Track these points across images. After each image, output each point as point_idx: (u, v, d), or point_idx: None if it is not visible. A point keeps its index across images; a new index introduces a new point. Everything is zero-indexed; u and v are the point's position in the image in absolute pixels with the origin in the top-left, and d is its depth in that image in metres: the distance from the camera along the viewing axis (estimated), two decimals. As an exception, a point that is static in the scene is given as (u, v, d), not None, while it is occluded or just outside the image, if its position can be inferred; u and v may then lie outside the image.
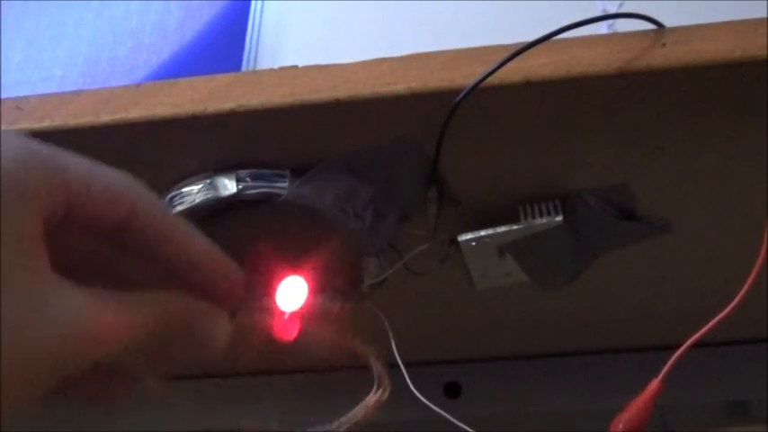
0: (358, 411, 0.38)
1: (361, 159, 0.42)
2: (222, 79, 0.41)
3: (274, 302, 0.36)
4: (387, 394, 0.39)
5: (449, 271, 0.48)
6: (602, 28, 0.49)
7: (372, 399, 0.37)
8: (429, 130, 0.40)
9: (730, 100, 0.39)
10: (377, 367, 0.38)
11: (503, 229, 0.44)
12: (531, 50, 0.38)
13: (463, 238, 0.45)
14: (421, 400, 0.45)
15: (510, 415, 0.60)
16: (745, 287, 0.38)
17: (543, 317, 0.56)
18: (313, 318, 0.37)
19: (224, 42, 0.69)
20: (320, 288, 0.37)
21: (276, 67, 0.41)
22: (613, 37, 0.39)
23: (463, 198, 0.45)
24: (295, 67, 0.41)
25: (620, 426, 0.42)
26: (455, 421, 0.45)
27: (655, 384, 0.42)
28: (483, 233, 0.45)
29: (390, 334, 0.44)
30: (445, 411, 0.45)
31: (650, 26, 0.39)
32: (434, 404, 0.45)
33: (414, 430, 0.56)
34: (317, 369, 0.62)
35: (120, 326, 0.30)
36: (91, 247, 0.33)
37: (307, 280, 0.36)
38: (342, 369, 0.62)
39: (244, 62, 0.67)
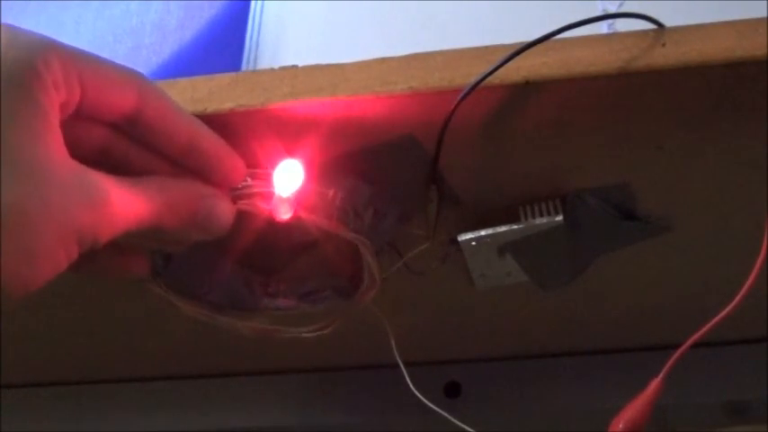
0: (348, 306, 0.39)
1: (361, 159, 0.42)
2: (222, 79, 0.41)
3: (271, 188, 0.38)
4: (374, 291, 0.40)
5: (449, 271, 0.48)
6: (602, 28, 0.49)
7: (361, 294, 0.38)
8: (429, 130, 0.40)
9: (730, 100, 0.39)
10: (366, 259, 0.39)
11: (503, 228, 0.44)
12: (531, 50, 0.38)
13: (463, 237, 0.45)
14: (421, 400, 0.45)
15: (510, 415, 0.60)
16: (745, 287, 0.38)
17: (543, 317, 0.56)
18: (308, 202, 0.39)
19: (224, 42, 0.69)
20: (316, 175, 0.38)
21: (276, 66, 0.41)
22: (613, 37, 0.39)
23: (463, 198, 0.45)
24: (295, 66, 0.41)
25: (620, 425, 0.42)
26: (455, 421, 0.45)
27: (655, 384, 0.42)
28: (483, 233, 0.45)
29: (390, 334, 0.44)
30: (445, 411, 0.45)
31: (650, 26, 0.39)
32: (434, 404, 0.45)
33: (414, 430, 0.56)
34: (317, 369, 0.62)
35: (134, 205, 0.32)
36: (102, 138, 0.35)
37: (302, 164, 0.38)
38: (342, 369, 0.62)
39: (244, 62, 0.67)
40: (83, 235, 0.30)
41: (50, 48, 0.31)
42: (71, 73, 0.31)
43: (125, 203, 0.32)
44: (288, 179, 0.38)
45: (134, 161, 0.35)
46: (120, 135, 0.35)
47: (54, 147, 0.30)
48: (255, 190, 0.38)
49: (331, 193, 0.39)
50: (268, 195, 0.38)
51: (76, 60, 0.32)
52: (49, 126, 0.30)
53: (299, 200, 0.38)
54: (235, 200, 0.37)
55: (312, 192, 0.39)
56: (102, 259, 0.35)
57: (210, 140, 0.36)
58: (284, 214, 0.38)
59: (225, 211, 0.36)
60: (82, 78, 0.32)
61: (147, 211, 0.33)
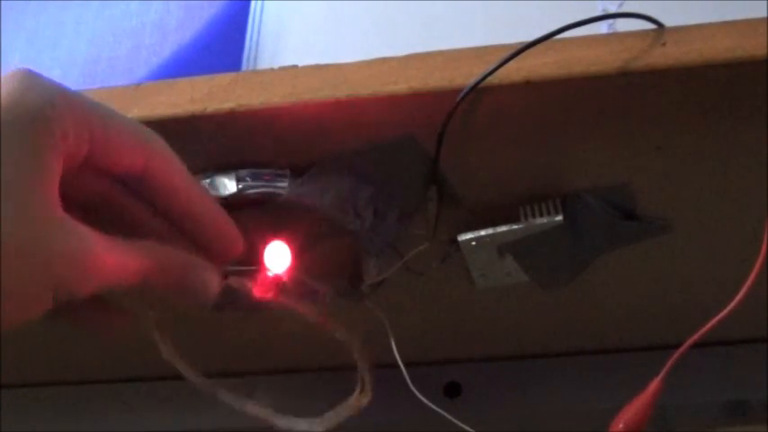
0: (339, 412, 0.39)
1: (361, 159, 0.42)
2: (222, 79, 0.41)
3: (262, 269, 0.38)
4: (368, 399, 0.39)
5: (449, 271, 0.48)
6: (602, 28, 0.49)
7: (353, 402, 0.38)
8: (429, 129, 0.40)
9: (730, 100, 0.39)
10: (361, 366, 0.39)
11: (503, 228, 0.44)
12: (531, 50, 0.38)
13: (463, 237, 0.45)
14: (421, 400, 0.45)
15: (510, 415, 0.60)
16: (745, 287, 0.38)
17: (543, 317, 0.56)
18: (296, 291, 0.39)
19: (224, 42, 0.69)
20: (309, 271, 0.38)
21: (276, 67, 0.41)
22: (613, 37, 0.39)
23: (463, 198, 0.45)
24: (295, 67, 0.41)
25: (620, 425, 0.42)
26: (455, 421, 0.45)
27: (655, 384, 0.42)
28: (483, 233, 0.45)
29: (390, 334, 0.44)
30: (445, 411, 0.45)
31: (650, 26, 0.39)
32: (434, 404, 0.45)
33: (414, 430, 0.56)
34: (317, 369, 0.62)
35: (120, 264, 0.32)
36: (104, 189, 0.35)
37: (292, 248, 0.39)
38: (342, 369, 0.62)
39: (244, 62, 0.67)
40: (59, 286, 0.30)
41: (65, 100, 0.30)
42: (82, 128, 0.31)
43: (110, 261, 0.31)
44: (277, 260, 0.38)
45: (134, 215, 0.35)
46: (124, 189, 0.35)
47: (47, 199, 0.30)
48: (245, 267, 0.38)
49: (321, 291, 0.39)
50: (257, 273, 0.38)
51: (89, 115, 0.32)
52: (49, 179, 0.30)
53: (286, 281, 0.38)
54: (225, 274, 0.37)
55: (300, 279, 0.39)
56: (83, 312, 0.35)
57: (213, 212, 0.36)
58: (267, 293, 0.38)
59: (212, 284, 0.36)
60: (92, 134, 0.32)
61: (134, 272, 0.32)
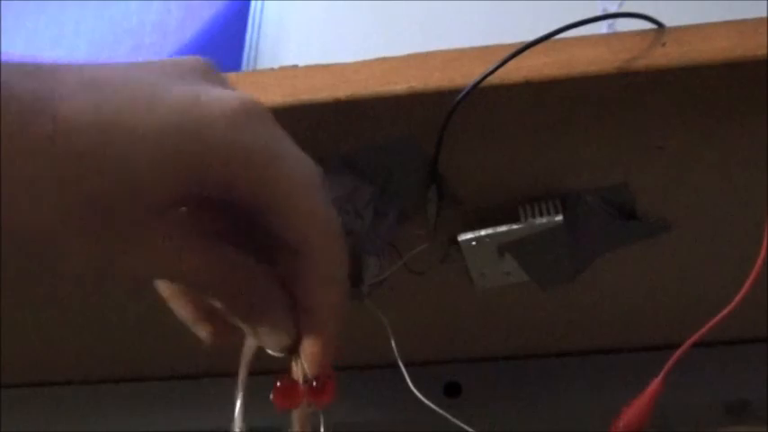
0: None
1: (361, 159, 0.42)
2: (222, 79, 0.41)
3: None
4: None
5: (449, 271, 0.48)
6: (602, 28, 0.49)
7: None
8: (429, 129, 0.40)
9: (730, 100, 0.39)
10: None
11: (503, 228, 0.44)
12: (531, 50, 0.38)
13: (463, 237, 0.45)
14: (421, 400, 0.45)
15: (510, 415, 0.60)
16: (745, 287, 0.38)
17: (543, 317, 0.56)
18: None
19: (224, 42, 0.69)
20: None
21: (276, 67, 0.41)
22: (613, 37, 0.39)
23: (463, 198, 0.45)
24: (295, 66, 0.41)
25: (621, 425, 0.42)
26: (455, 421, 0.45)
27: (655, 384, 0.42)
28: (483, 233, 0.45)
29: (390, 334, 0.44)
30: (445, 411, 0.45)
31: (650, 26, 0.39)
32: (434, 404, 0.45)
33: (414, 430, 0.56)
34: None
35: (201, 259, 0.30)
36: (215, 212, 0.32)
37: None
38: (342, 369, 0.62)
39: (244, 62, 0.67)
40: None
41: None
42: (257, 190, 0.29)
43: (193, 255, 0.30)
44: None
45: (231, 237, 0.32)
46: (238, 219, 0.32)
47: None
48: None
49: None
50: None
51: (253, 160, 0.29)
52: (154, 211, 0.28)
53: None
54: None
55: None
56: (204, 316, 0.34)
57: (319, 328, 0.32)
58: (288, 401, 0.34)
59: (252, 341, 0.34)
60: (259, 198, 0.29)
61: (205, 270, 0.31)
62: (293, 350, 0.33)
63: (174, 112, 0.27)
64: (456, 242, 0.45)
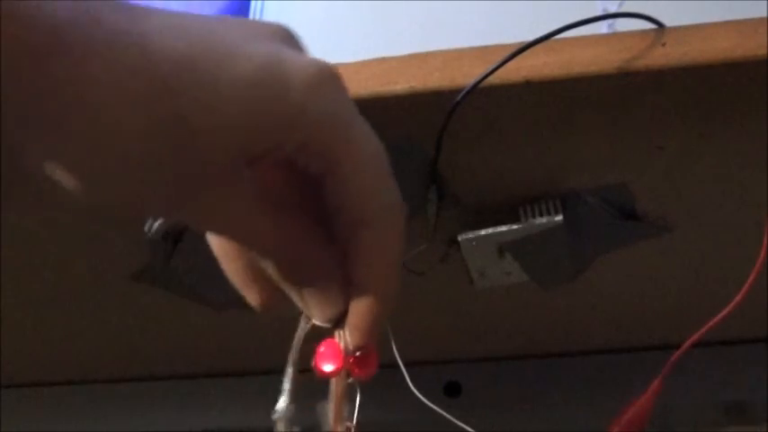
0: None
1: (361, 159, 0.42)
2: (222, 79, 0.41)
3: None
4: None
5: (449, 271, 0.48)
6: (602, 28, 0.49)
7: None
8: (429, 129, 0.40)
9: (730, 100, 0.39)
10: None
11: (503, 228, 0.44)
12: (531, 50, 0.38)
13: (463, 237, 0.45)
14: (421, 400, 0.45)
15: (510, 415, 0.60)
16: (746, 287, 0.38)
17: (543, 317, 0.56)
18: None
19: (224, 42, 0.69)
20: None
21: (276, 66, 0.41)
22: (613, 37, 0.39)
23: (463, 198, 0.45)
24: (295, 66, 0.41)
25: (621, 425, 0.42)
26: (455, 421, 0.45)
27: (655, 384, 0.42)
28: (483, 232, 0.45)
29: (390, 334, 0.44)
30: (445, 411, 0.45)
31: (650, 26, 0.39)
32: (434, 404, 0.45)
33: (414, 430, 0.56)
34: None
35: (268, 222, 0.30)
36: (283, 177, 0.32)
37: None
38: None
39: (244, 62, 0.67)
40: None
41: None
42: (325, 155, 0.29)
43: (264, 217, 0.30)
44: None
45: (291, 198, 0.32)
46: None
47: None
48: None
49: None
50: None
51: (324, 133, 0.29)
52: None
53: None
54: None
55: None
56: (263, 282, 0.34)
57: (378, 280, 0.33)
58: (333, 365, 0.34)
59: (326, 306, 0.33)
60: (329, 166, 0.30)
61: (271, 234, 0.31)
62: (339, 322, 0.33)
63: (259, 68, 0.27)
64: (456, 242, 0.45)
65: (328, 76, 0.29)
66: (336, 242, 0.32)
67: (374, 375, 0.34)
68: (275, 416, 0.34)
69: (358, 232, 0.32)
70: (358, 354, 0.33)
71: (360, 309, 0.33)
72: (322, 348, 0.34)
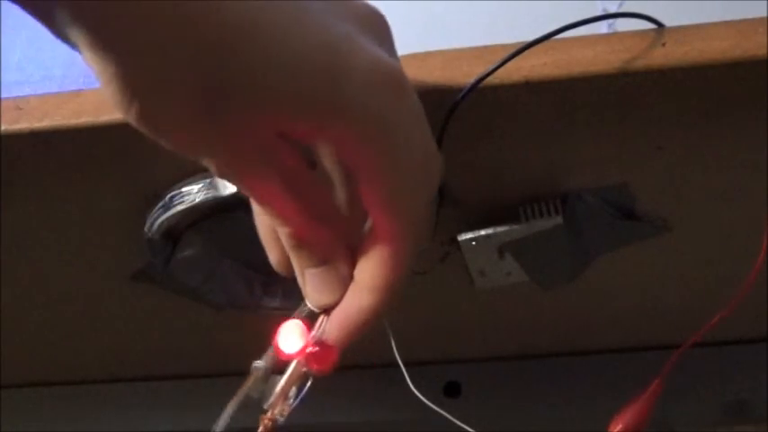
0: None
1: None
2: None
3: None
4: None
5: (449, 271, 0.48)
6: (602, 27, 0.49)
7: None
8: (429, 129, 0.40)
9: (730, 100, 0.39)
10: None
11: (503, 228, 0.44)
12: (531, 50, 0.38)
13: (463, 237, 0.45)
14: (421, 400, 0.45)
15: (510, 415, 0.60)
16: (745, 287, 0.38)
17: (543, 317, 0.56)
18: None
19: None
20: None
21: (276, 66, 0.41)
22: (613, 37, 0.39)
23: (463, 198, 0.45)
24: (295, 66, 0.41)
25: (620, 426, 0.42)
26: (455, 421, 0.45)
27: (655, 384, 0.42)
28: (483, 232, 0.45)
29: (390, 334, 0.44)
30: (445, 411, 0.45)
31: (650, 26, 0.39)
32: (434, 404, 0.45)
33: (414, 430, 0.56)
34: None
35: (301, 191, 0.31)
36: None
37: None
38: (342, 369, 0.62)
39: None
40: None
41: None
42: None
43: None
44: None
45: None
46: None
47: None
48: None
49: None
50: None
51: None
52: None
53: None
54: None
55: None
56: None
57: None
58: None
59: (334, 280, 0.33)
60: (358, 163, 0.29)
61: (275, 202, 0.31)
62: (328, 311, 0.33)
63: (322, 48, 0.27)
64: (456, 242, 0.45)
65: (393, 81, 0.29)
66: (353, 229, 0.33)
67: (329, 374, 0.34)
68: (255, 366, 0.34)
69: (371, 237, 0.32)
70: (317, 349, 0.33)
71: (351, 310, 0.33)
72: (286, 327, 0.34)
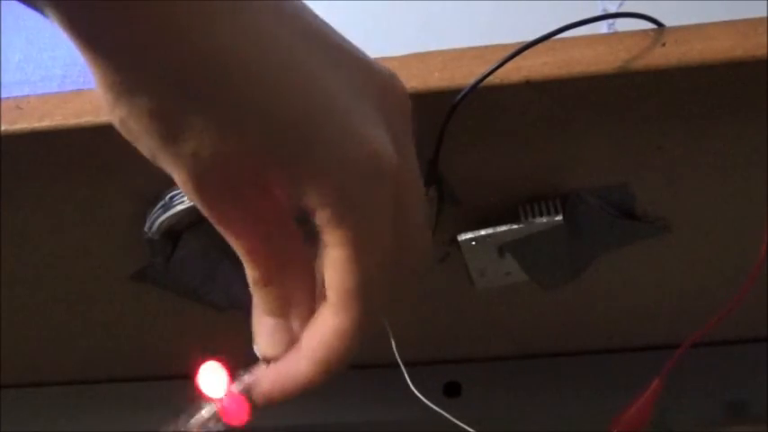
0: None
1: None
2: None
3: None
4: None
5: (449, 271, 0.48)
6: (602, 27, 0.49)
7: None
8: (429, 130, 0.40)
9: (730, 100, 0.39)
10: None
11: (503, 228, 0.44)
12: (531, 50, 0.38)
13: (463, 237, 0.45)
14: (421, 400, 0.45)
15: (510, 415, 0.60)
16: (745, 287, 0.38)
17: (543, 317, 0.56)
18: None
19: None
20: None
21: (276, 66, 0.41)
22: (613, 36, 0.39)
23: (463, 198, 0.45)
24: (295, 66, 0.41)
25: (621, 426, 0.42)
26: (455, 421, 0.45)
27: (655, 384, 0.42)
28: (483, 232, 0.45)
29: (390, 334, 0.44)
30: (445, 411, 0.45)
31: (650, 26, 0.39)
32: (434, 404, 0.45)
33: (414, 430, 0.56)
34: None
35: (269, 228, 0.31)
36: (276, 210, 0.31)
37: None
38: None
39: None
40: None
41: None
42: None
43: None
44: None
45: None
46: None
47: None
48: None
49: None
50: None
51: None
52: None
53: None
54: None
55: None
56: None
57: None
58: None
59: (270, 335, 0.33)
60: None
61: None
62: (269, 362, 0.33)
63: (308, 116, 0.27)
64: (456, 242, 0.45)
65: (376, 168, 0.28)
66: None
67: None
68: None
69: (325, 310, 0.31)
70: (230, 402, 0.32)
71: (286, 372, 0.32)
72: (209, 368, 0.33)
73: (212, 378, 0.33)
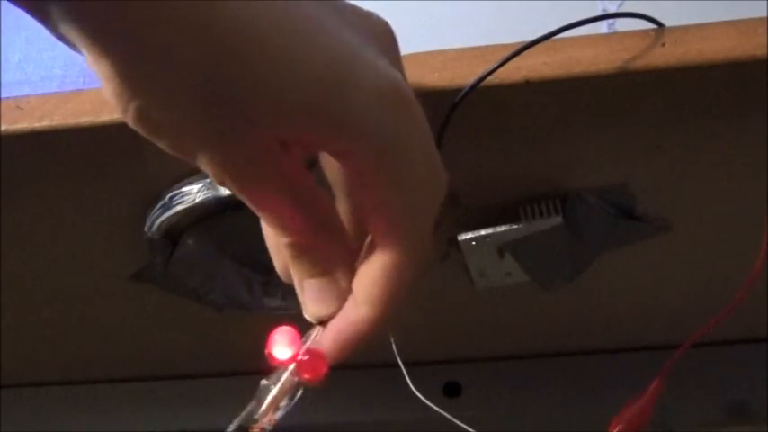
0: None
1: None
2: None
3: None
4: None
5: (449, 271, 0.48)
6: (602, 27, 0.49)
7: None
8: (429, 129, 0.40)
9: (730, 100, 0.39)
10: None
11: (503, 228, 0.44)
12: (531, 50, 0.38)
13: (463, 237, 0.45)
14: (421, 400, 0.45)
15: (510, 415, 0.60)
16: (745, 287, 0.38)
17: (543, 317, 0.56)
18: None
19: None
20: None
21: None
22: (613, 36, 0.39)
23: (463, 198, 0.45)
24: (295, 66, 0.41)
25: (620, 425, 0.42)
26: (455, 421, 0.45)
27: (655, 384, 0.42)
28: (483, 233, 0.45)
29: (390, 334, 0.44)
30: (445, 411, 0.45)
31: (650, 26, 0.39)
32: (434, 404, 0.45)
33: (414, 430, 0.56)
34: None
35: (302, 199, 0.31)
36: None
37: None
38: (342, 369, 0.62)
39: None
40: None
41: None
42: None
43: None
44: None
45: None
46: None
47: None
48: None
49: None
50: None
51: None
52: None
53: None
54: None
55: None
56: None
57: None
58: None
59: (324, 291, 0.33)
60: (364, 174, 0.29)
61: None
62: (324, 323, 0.33)
63: (328, 64, 0.27)
64: (456, 242, 0.45)
65: (399, 96, 0.29)
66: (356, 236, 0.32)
67: (323, 382, 0.33)
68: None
69: (373, 250, 0.31)
70: (308, 357, 0.32)
71: (346, 322, 0.32)
72: (278, 334, 0.33)
73: (282, 342, 0.33)
